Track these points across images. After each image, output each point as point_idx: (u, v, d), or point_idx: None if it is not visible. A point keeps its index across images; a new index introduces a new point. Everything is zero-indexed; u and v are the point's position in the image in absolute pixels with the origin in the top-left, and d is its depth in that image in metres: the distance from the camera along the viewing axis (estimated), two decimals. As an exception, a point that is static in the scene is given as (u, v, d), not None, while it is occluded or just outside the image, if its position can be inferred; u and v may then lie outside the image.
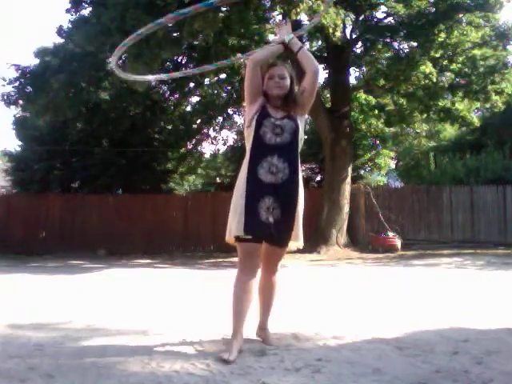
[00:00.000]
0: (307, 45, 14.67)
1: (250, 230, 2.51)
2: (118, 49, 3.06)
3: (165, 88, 15.09)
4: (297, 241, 2.68)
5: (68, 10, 11.30)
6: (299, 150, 2.66)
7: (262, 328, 2.82)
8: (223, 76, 14.63)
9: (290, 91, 2.67)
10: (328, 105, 13.40)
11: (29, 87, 11.48)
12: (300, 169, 2.67)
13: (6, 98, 11.58)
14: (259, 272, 2.68)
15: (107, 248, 12.58)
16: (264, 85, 2.69)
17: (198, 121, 16.50)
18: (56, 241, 13.13)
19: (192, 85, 14.81)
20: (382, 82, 13.60)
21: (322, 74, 15.25)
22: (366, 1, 12.31)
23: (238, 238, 2.56)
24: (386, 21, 13.04)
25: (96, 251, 12.35)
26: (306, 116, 2.85)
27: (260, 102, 2.67)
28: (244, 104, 2.84)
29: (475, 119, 13.65)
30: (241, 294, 2.55)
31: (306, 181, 18.31)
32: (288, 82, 2.68)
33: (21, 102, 11.83)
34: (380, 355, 2.51)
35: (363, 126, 16.73)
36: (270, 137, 2.57)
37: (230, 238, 2.62)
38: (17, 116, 16.36)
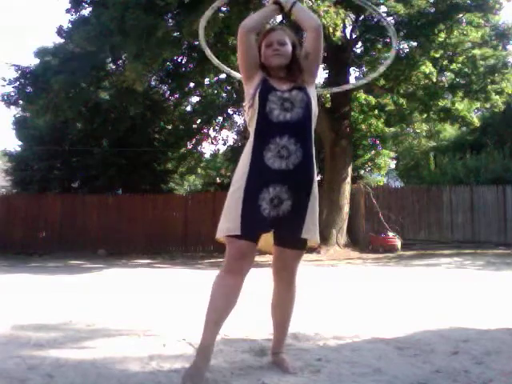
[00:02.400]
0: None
1: (246, 230, 2.07)
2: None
3: (165, 88, 15.10)
4: (313, 237, 2.20)
5: (68, 10, 11.32)
6: (313, 128, 2.26)
7: (276, 352, 2.34)
8: (223, 76, 14.63)
9: (293, 58, 2.24)
10: (328, 105, 13.40)
11: (29, 87, 11.50)
12: (314, 151, 2.24)
13: (6, 98, 11.60)
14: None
15: (107, 248, 12.59)
16: (261, 55, 2.27)
17: (198, 121, 16.51)
18: (56, 241, 13.13)
19: (192, 85, 14.81)
20: (382, 81, 13.60)
21: (322, 74, 15.23)
22: (366, 1, 12.30)
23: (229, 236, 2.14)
24: (386, 21, 13.03)
25: (96, 251, 12.35)
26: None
27: (259, 76, 2.24)
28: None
29: (475, 119, 13.65)
30: (220, 300, 2.09)
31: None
32: (289, 48, 2.25)
33: (21, 102, 11.84)
34: (380, 355, 2.50)
35: (363, 126, 16.72)
36: (279, 113, 2.13)
37: (218, 236, 2.19)
38: (17, 116, 16.40)
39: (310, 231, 2.17)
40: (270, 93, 2.16)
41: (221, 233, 2.15)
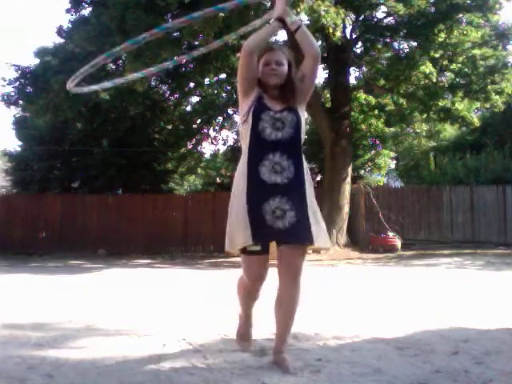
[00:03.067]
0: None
1: (258, 238, 2.22)
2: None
3: (165, 88, 15.11)
4: (320, 241, 2.30)
5: (68, 10, 11.33)
6: (302, 145, 2.39)
7: (278, 352, 2.36)
8: (223, 76, 14.63)
9: (288, 79, 2.35)
10: (328, 105, 13.40)
11: (29, 87, 11.50)
12: (306, 165, 2.38)
13: (6, 98, 11.60)
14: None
15: (107, 248, 12.58)
16: (259, 72, 2.36)
17: (198, 121, 16.51)
18: (56, 241, 13.13)
19: (192, 85, 14.81)
20: (381, 81, 13.60)
21: (322, 74, 15.24)
22: (366, 1, 12.30)
23: (244, 251, 2.28)
24: (385, 21, 13.04)
25: (96, 251, 12.35)
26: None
27: (255, 93, 2.36)
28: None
29: (475, 119, 13.64)
30: (242, 295, 2.49)
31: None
32: (286, 68, 2.35)
33: (21, 102, 11.84)
34: (380, 355, 2.50)
35: (363, 126, 16.72)
36: (271, 132, 2.27)
37: (232, 249, 2.32)
38: (17, 116, 16.39)
39: (321, 238, 2.30)
40: (263, 112, 2.29)
41: (234, 246, 2.29)
